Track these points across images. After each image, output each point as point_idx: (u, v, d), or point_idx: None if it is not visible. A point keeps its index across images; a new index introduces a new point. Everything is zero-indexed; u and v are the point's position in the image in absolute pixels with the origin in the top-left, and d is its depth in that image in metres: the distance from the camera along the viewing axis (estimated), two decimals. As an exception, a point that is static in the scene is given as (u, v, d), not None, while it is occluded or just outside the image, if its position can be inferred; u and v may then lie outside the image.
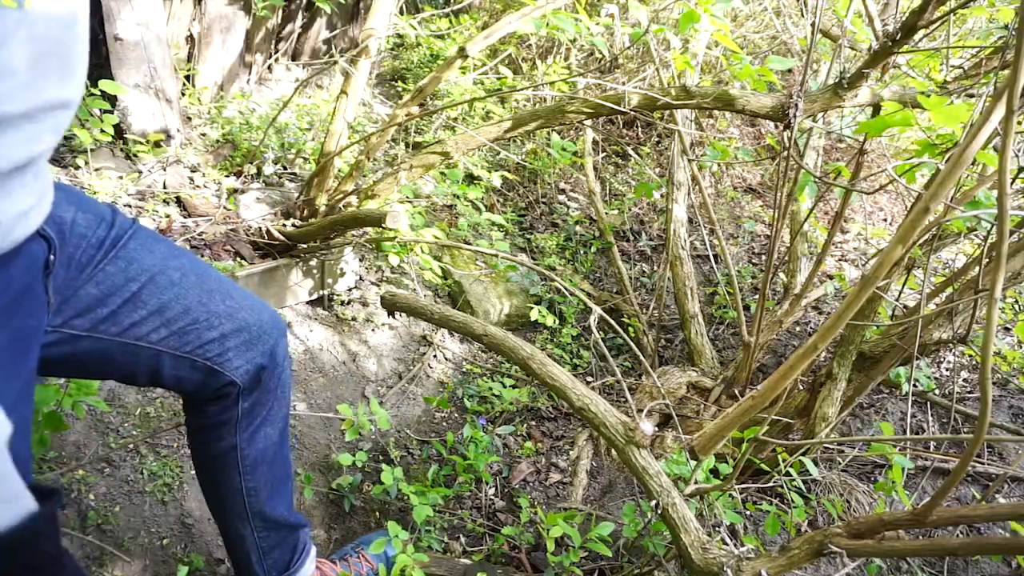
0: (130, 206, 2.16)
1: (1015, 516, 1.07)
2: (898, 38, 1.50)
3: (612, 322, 1.66)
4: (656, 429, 2.22)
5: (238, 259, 2.11)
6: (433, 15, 3.36)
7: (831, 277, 2.85)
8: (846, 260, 3.26)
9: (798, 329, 2.82)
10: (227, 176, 2.44)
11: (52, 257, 0.90)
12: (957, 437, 1.23)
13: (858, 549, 1.08)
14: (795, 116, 1.63)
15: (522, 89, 2.64)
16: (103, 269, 0.99)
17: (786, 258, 2.59)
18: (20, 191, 0.80)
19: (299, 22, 3.07)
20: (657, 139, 3.62)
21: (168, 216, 2.18)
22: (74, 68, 0.82)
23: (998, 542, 0.99)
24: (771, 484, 1.60)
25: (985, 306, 0.76)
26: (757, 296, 2.37)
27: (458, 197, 2.76)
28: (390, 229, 1.83)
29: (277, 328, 1.18)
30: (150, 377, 1.08)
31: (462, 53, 1.92)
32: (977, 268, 1.63)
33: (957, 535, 2.04)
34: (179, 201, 2.26)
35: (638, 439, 1.42)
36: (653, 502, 1.37)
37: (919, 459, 2.24)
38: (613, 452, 1.94)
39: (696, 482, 1.46)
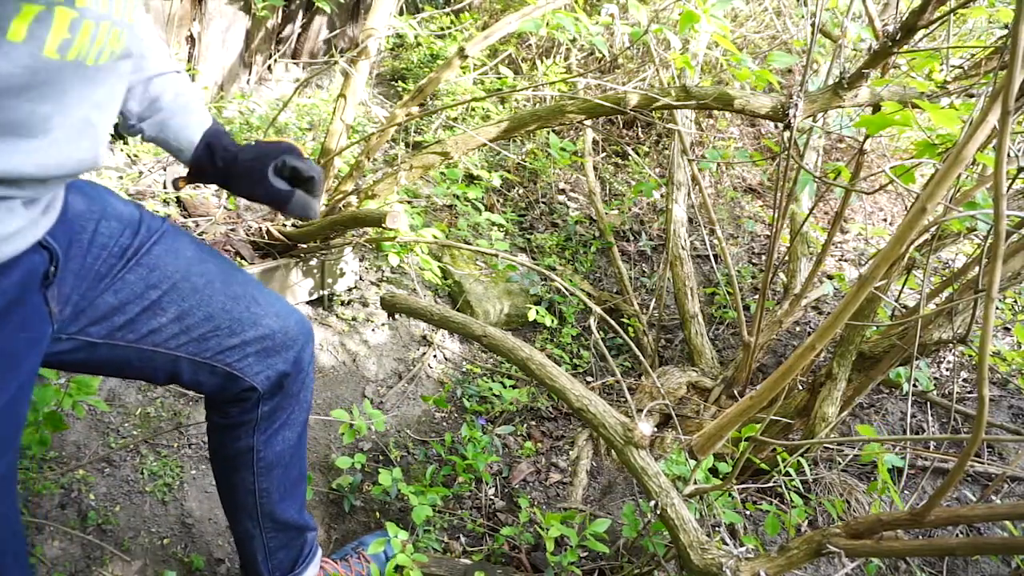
0: (130, 206, 2.17)
1: (1013, 516, 1.07)
2: (898, 38, 1.51)
3: (612, 322, 1.66)
4: (655, 429, 2.22)
5: (238, 259, 2.11)
6: (433, 15, 3.36)
7: (831, 277, 2.85)
8: (846, 260, 3.26)
9: (798, 329, 2.82)
10: (227, 176, 2.44)
11: (53, 268, 0.87)
12: (956, 437, 1.23)
13: (857, 549, 1.08)
14: (795, 116, 1.63)
15: (522, 89, 2.64)
16: (123, 278, 0.98)
17: (786, 258, 2.59)
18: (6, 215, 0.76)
19: (299, 22, 3.07)
20: (657, 139, 3.62)
21: (168, 216, 2.18)
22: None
23: (997, 542, 0.99)
24: (771, 484, 1.60)
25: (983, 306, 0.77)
26: (757, 296, 2.37)
27: (458, 197, 2.76)
28: (390, 229, 1.83)
29: (304, 334, 1.17)
30: (168, 379, 1.08)
31: (462, 53, 1.92)
32: (976, 268, 1.63)
33: (956, 535, 2.04)
34: (179, 201, 2.26)
35: (637, 439, 1.42)
36: (652, 502, 1.37)
37: (919, 459, 2.24)
38: (613, 452, 1.94)
39: (695, 482, 1.46)
